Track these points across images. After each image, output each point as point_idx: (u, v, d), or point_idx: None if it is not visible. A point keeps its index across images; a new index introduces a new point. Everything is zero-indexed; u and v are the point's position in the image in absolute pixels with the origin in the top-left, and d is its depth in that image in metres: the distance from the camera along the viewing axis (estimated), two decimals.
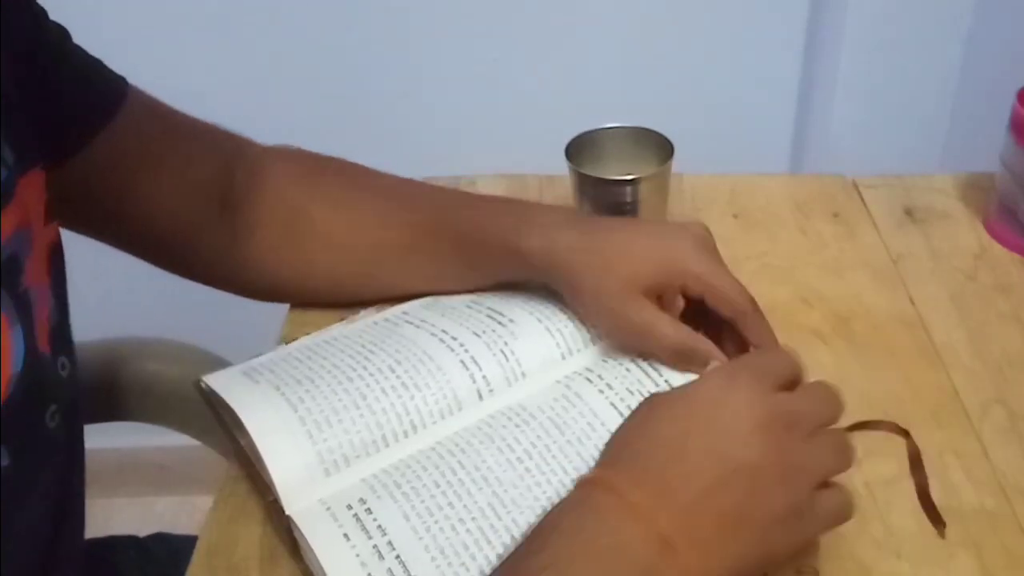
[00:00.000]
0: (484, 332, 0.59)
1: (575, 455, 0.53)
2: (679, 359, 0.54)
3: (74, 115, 0.60)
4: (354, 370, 0.56)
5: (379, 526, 0.49)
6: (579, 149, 0.70)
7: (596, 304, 0.56)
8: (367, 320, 0.63)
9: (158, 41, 1.13)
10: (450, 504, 0.50)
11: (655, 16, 1.13)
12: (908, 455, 0.57)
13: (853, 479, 0.55)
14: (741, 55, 1.16)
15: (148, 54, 1.12)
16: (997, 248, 0.74)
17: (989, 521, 0.53)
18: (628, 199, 0.68)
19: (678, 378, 0.56)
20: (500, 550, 0.48)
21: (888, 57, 1.10)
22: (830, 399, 0.49)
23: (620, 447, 0.48)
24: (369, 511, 0.50)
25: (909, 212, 0.78)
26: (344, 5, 1.13)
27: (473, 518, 0.49)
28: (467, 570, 0.47)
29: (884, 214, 0.78)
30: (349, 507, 0.50)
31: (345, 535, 0.49)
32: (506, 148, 1.10)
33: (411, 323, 0.61)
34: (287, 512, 0.51)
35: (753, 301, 0.55)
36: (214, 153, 0.66)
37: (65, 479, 0.57)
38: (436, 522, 0.49)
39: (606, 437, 0.53)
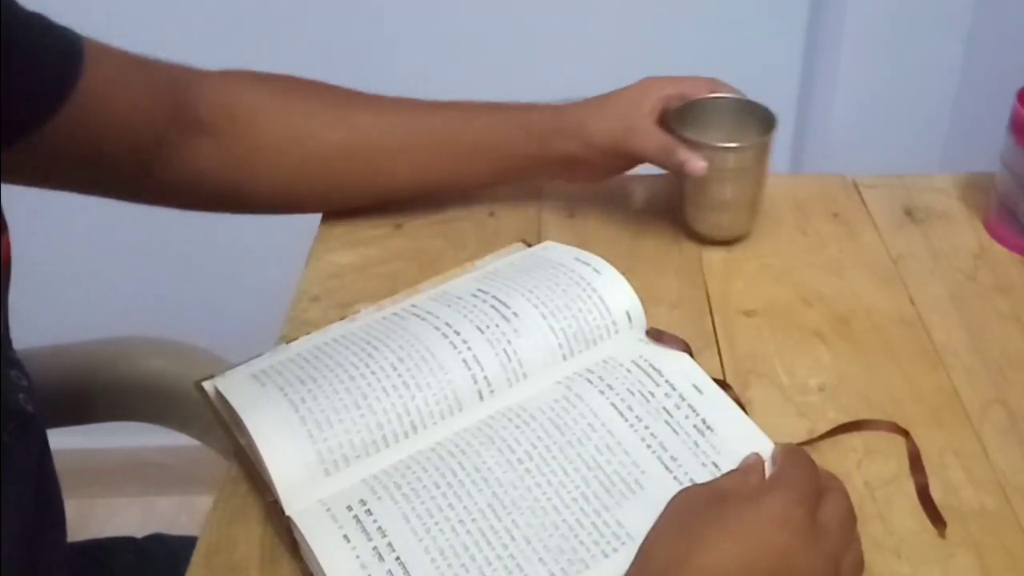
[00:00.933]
0: (488, 327, 0.58)
1: (575, 456, 0.53)
2: (663, 158, 0.70)
3: (37, 84, 0.58)
4: (356, 368, 0.56)
5: (379, 527, 0.49)
6: (681, 116, 0.72)
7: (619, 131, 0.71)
8: (370, 317, 0.63)
9: (157, 40, 1.13)
10: (450, 505, 0.50)
11: (654, 16, 1.13)
12: (908, 455, 0.57)
13: (853, 479, 0.55)
14: (741, 55, 1.15)
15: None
16: (997, 248, 0.74)
17: (989, 521, 0.53)
18: (730, 165, 0.70)
19: (679, 379, 0.57)
20: (500, 551, 0.48)
21: (888, 57, 1.10)
22: (845, 522, 0.47)
23: (661, 564, 0.46)
24: (369, 512, 0.50)
25: (909, 212, 0.78)
26: (344, 4, 1.13)
27: (473, 519, 0.49)
28: (467, 571, 0.47)
29: (884, 214, 0.78)
30: (349, 508, 0.50)
31: (345, 536, 0.49)
32: None
33: (417, 315, 0.61)
34: (287, 512, 0.51)
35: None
36: (174, 85, 0.67)
37: (34, 488, 0.56)
38: (436, 523, 0.49)
39: (607, 438, 0.54)
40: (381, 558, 0.48)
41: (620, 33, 1.15)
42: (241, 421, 0.53)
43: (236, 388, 0.56)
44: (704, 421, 0.55)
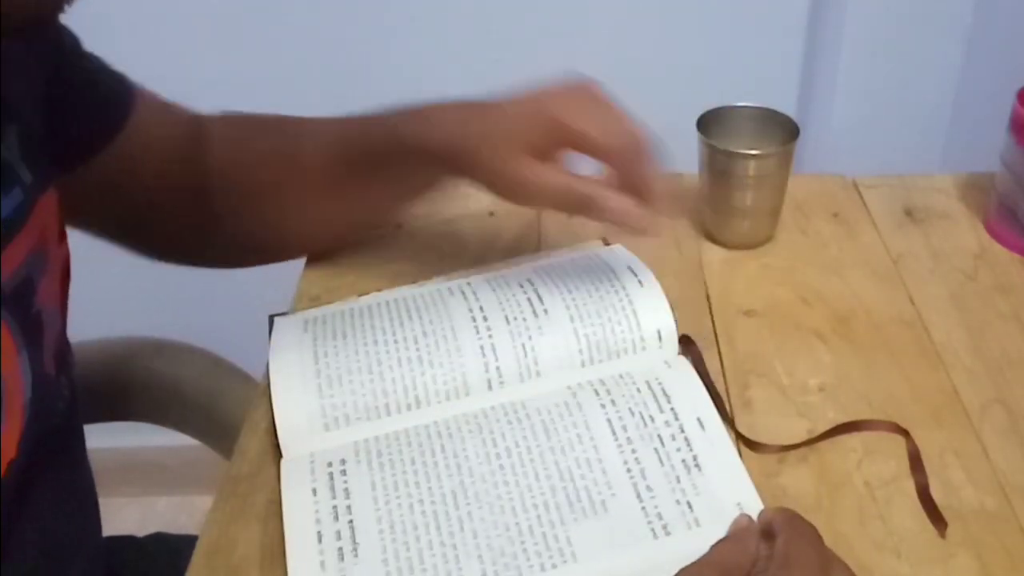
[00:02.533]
0: (515, 319, 0.59)
1: (552, 463, 0.52)
2: (569, 206, 0.55)
3: (89, 122, 0.62)
4: (385, 333, 0.59)
5: (346, 489, 0.51)
6: (708, 123, 0.73)
7: (486, 171, 0.57)
8: (434, 285, 0.65)
9: (157, 40, 1.13)
10: (416, 483, 0.51)
11: (654, 16, 1.13)
12: (908, 455, 0.57)
13: (853, 479, 0.55)
14: (741, 55, 1.15)
15: (147, 53, 1.12)
16: (997, 248, 0.74)
17: (989, 521, 0.53)
18: (752, 172, 0.70)
19: (686, 409, 0.55)
20: (445, 538, 0.49)
21: (888, 57, 1.10)
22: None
23: None
24: (344, 472, 0.52)
25: (909, 212, 0.78)
26: (344, 4, 1.13)
27: (432, 501, 0.50)
28: (407, 549, 0.48)
29: (884, 214, 0.78)
30: (329, 464, 0.52)
31: (313, 490, 0.51)
32: None
33: (463, 292, 0.62)
34: (283, 458, 0.53)
35: (636, 140, 0.54)
36: (193, 136, 0.68)
37: (71, 490, 0.57)
38: (397, 497, 0.50)
39: (590, 452, 0.53)
40: (336, 518, 0.50)
41: (620, 32, 1.15)
42: (268, 362, 0.57)
43: (283, 329, 0.61)
44: (695, 458, 0.53)
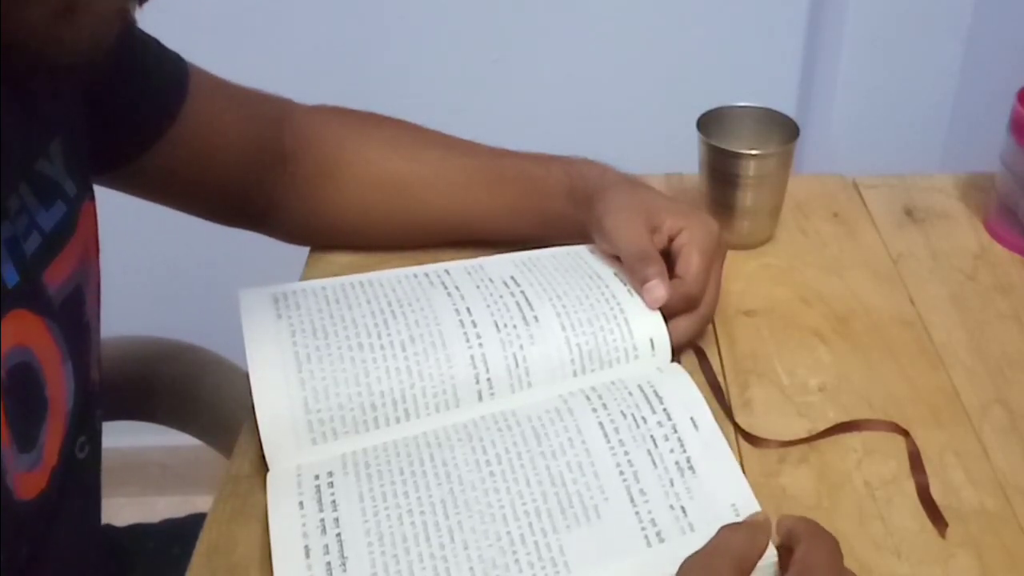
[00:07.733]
0: (505, 326, 0.58)
1: (543, 468, 0.51)
2: (634, 262, 0.60)
3: (147, 110, 0.61)
4: (368, 335, 0.57)
5: (333, 501, 0.50)
6: (708, 123, 0.73)
7: (612, 219, 0.62)
8: (407, 270, 0.64)
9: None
10: (405, 494, 0.50)
11: (654, 16, 1.13)
12: (908, 455, 0.57)
13: (853, 479, 0.55)
14: (741, 55, 1.15)
15: None
16: (997, 248, 0.74)
17: (989, 521, 0.53)
18: (752, 172, 0.70)
19: (678, 409, 0.55)
20: (436, 550, 0.48)
21: (888, 57, 1.10)
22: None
23: None
24: (331, 485, 0.51)
25: (909, 212, 0.78)
26: (344, 4, 1.13)
27: (422, 511, 0.49)
28: (397, 562, 0.47)
29: (884, 214, 0.78)
30: (316, 477, 0.51)
31: (300, 503, 0.50)
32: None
33: (445, 286, 0.61)
34: (269, 471, 0.52)
35: (702, 305, 0.61)
36: (266, 117, 0.69)
37: (89, 506, 0.57)
38: (386, 508, 0.49)
39: (582, 456, 0.52)
40: (324, 531, 0.48)
41: (620, 32, 1.15)
42: (247, 363, 0.55)
43: (254, 313, 0.58)
44: (688, 460, 0.52)
